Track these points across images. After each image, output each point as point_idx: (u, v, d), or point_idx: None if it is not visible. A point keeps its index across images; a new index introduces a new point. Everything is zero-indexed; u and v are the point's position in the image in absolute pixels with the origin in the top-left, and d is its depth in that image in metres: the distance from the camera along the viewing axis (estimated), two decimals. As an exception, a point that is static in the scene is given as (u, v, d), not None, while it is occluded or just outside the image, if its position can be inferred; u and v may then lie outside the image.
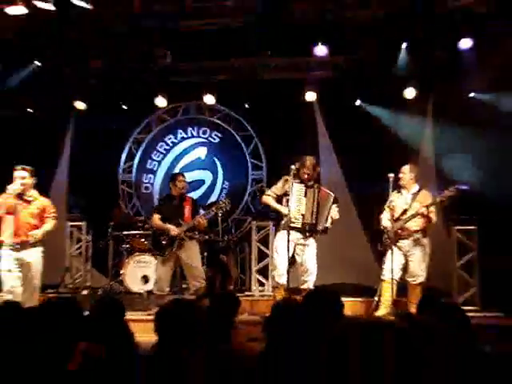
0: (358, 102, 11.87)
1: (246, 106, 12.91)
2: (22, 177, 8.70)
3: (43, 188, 9.69)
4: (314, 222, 8.96)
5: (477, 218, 10.02)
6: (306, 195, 9.01)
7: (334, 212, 9.08)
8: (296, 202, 8.97)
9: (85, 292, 11.55)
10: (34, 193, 8.89)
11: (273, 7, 9.90)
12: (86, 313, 4.52)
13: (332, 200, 9.12)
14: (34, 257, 8.74)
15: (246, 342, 5.15)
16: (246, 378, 3.49)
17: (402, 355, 1.95)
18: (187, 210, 9.69)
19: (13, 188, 8.65)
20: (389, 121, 11.51)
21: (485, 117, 10.10)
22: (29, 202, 8.79)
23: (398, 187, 9.11)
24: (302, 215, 8.96)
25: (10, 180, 8.90)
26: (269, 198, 9.15)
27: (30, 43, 11.18)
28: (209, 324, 4.46)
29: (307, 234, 9.02)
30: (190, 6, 9.93)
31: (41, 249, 8.82)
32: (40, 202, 8.89)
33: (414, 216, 8.89)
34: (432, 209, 8.91)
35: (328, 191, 9.25)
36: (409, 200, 9.04)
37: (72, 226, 12.18)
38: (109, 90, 12.74)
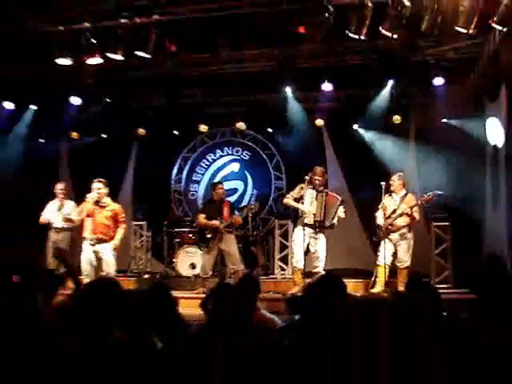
0: (355, 127, 11.93)
1: (269, 130, 12.90)
2: (98, 187, 8.88)
3: (113, 196, 9.85)
4: (322, 219, 9.09)
5: (450, 216, 10.07)
6: (316, 198, 9.12)
7: (341, 212, 9.18)
8: (309, 203, 9.11)
9: (146, 276, 11.56)
10: (107, 200, 9.04)
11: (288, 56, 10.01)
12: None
13: (339, 202, 9.23)
14: (108, 249, 8.91)
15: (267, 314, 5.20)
16: (269, 347, 3.51)
17: (393, 325, 1.90)
18: (225, 211, 9.73)
19: (91, 196, 8.85)
20: (379, 141, 11.60)
21: (454, 138, 10.15)
22: (103, 207, 8.95)
23: (389, 191, 9.21)
24: (314, 214, 9.09)
25: (88, 190, 9.15)
26: (289, 200, 9.29)
27: (102, 84, 11.38)
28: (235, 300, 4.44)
29: (317, 229, 9.16)
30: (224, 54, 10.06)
31: (113, 244, 9.00)
32: (112, 207, 9.05)
33: (401, 215, 8.99)
34: (416, 209, 9.02)
35: (336, 195, 9.35)
36: (397, 202, 9.11)
37: (136, 224, 12.22)
38: (164, 120, 12.82)
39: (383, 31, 7.44)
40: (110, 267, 8.86)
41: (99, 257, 8.89)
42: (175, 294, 4.52)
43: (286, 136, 12.51)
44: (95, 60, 8.41)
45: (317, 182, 9.13)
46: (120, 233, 9.03)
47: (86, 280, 8.67)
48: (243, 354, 3.08)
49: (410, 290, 4.23)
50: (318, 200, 9.11)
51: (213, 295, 4.10)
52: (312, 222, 9.09)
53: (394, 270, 9.17)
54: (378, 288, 8.96)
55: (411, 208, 8.93)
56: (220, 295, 4.01)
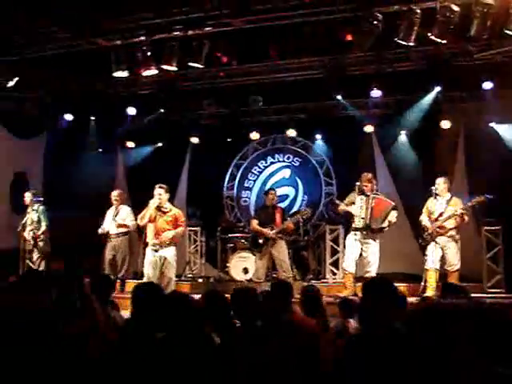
0: (403, 132, 11.87)
1: (319, 136, 12.91)
2: (159, 193, 8.93)
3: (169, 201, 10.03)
4: (369, 222, 9.11)
5: (501, 221, 9.91)
6: (365, 203, 9.18)
7: (392, 216, 9.19)
8: (358, 208, 9.18)
9: (200, 280, 11.79)
10: (168, 205, 9.09)
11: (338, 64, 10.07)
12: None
13: (391, 207, 9.25)
14: (169, 254, 8.96)
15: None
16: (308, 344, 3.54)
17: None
18: (278, 217, 9.76)
19: (153, 202, 8.97)
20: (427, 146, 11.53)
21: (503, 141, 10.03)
22: (165, 212, 8.98)
23: (434, 195, 9.15)
24: (362, 218, 9.14)
25: (145, 197, 9.33)
26: (341, 206, 9.45)
27: (157, 95, 11.63)
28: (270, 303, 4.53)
29: (366, 233, 9.17)
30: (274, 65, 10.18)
31: (174, 248, 9.07)
32: (173, 212, 9.08)
33: (450, 217, 8.91)
34: (465, 211, 8.95)
35: (388, 200, 9.39)
36: (444, 205, 9.05)
37: (190, 230, 12.31)
38: (216, 128, 13.02)
39: (432, 37, 7.40)
40: (170, 271, 8.96)
41: (161, 261, 8.99)
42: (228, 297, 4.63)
43: (336, 143, 12.50)
44: (150, 72, 8.60)
45: (365, 187, 9.21)
46: (178, 230, 9.08)
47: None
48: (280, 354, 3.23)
49: (442, 295, 4.19)
50: (367, 205, 9.17)
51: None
52: (361, 226, 9.14)
53: (443, 274, 9.07)
54: (430, 292, 8.88)
55: (462, 209, 8.84)
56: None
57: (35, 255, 10.75)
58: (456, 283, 7.37)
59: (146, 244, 9.09)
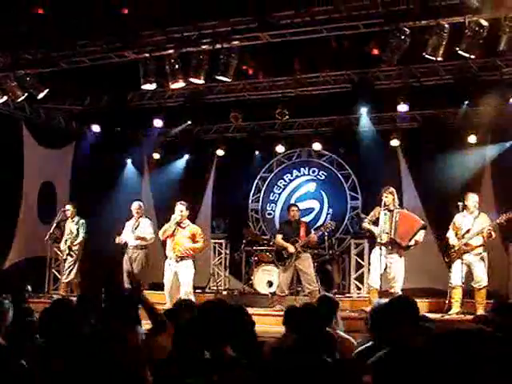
0: (432, 147, 11.74)
1: (341, 150, 12.83)
2: (180, 210, 9.19)
3: (194, 214, 10.07)
4: (393, 237, 9.03)
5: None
6: (389, 218, 9.11)
7: (420, 236, 9.09)
8: (383, 224, 9.11)
9: (224, 293, 11.76)
10: (187, 221, 9.33)
11: (364, 79, 10.05)
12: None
13: (420, 227, 9.15)
14: (185, 266, 9.13)
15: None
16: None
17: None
18: (302, 231, 9.81)
19: (174, 217, 9.16)
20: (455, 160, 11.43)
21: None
22: (184, 228, 9.24)
23: (462, 210, 9.04)
24: (387, 233, 9.07)
25: (169, 210, 9.42)
26: (365, 223, 9.42)
27: (183, 108, 11.69)
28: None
29: (391, 248, 9.08)
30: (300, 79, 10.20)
31: (191, 261, 9.23)
32: (191, 228, 9.32)
33: (477, 233, 8.82)
34: (493, 228, 8.84)
35: (415, 217, 9.34)
36: (471, 221, 8.94)
37: (215, 242, 12.46)
38: (241, 141, 13.13)
39: (460, 52, 7.33)
40: (186, 284, 9.09)
41: (177, 274, 9.16)
42: (252, 310, 4.61)
43: (361, 157, 12.43)
44: (178, 84, 8.65)
45: (385, 201, 9.13)
46: (195, 245, 9.26)
47: (167, 297, 9.01)
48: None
49: (498, 313, 4.14)
50: (391, 220, 9.09)
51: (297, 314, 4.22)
52: (385, 241, 9.07)
53: (467, 291, 8.96)
54: (455, 310, 8.79)
55: (490, 226, 8.73)
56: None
57: (67, 264, 10.94)
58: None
59: (165, 257, 9.36)
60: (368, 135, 11.89)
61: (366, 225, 9.43)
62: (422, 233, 9.09)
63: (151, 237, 10.08)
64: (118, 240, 10.16)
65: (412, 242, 9.05)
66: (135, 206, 10.40)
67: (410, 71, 9.92)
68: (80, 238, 10.97)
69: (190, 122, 12.35)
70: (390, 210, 9.13)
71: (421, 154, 11.75)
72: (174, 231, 9.21)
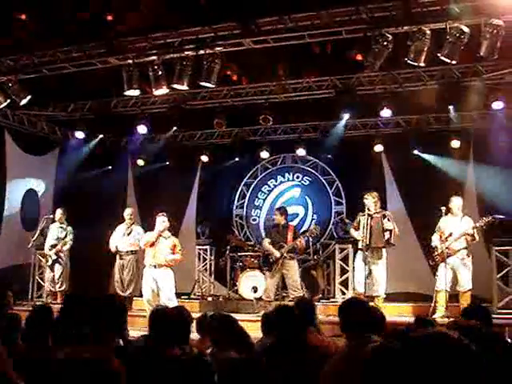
0: (414, 152, 11.81)
1: (329, 156, 12.88)
2: (163, 220, 9.28)
3: (178, 220, 10.05)
4: (368, 242, 9.13)
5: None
6: (366, 223, 9.19)
7: (387, 224, 9.23)
8: (362, 229, 9.22)
9: (209, 298, 11.75)
10: (167, 233, 9.38)
11: (347, 84, 10.09)
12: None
13: (380, 217, 9.28)
14: (165, 274, 9.16)
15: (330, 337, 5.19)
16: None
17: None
18: (289, 235, 9.84)
19: (159, 228, 9.22)
20: (439, 164, 11.50)
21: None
22: (166, 238, 9.31)
23: (445, 213, 9.11)
24: (363, 239, 9.20)
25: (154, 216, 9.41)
26: (351, 230, 9.69)
27: (167, 114, 11.67)
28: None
29: (369, 252, 9.16)
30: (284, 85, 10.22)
31: (170, 270, 9.25)
32: (171, 239, 9.39)
33: (460, 236, 8.89)
34: (476, 230, 8.91)
35: (382, 212, 9.43)
36: (455, 225, 9.03)
37: (199, 248, 12.46)
38: (225, 147, 13.13)
39: (442, 57, 7.40)
40: (166, 292, 9.09)
41: (157, 282, 9.15)
42: (237, 316, 4.63)
43: (345, 162, 12.47)
44: (162, 91, 8.64)
45: (365, 203, 9.27)
46: (175, 256, 9.30)
47: (146, 304, 9.02)
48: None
49: (468, 316, 4.17)
50: (367, 224, 9.19)
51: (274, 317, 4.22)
52: (363, 246, 9.23)
53: (453, 295, 9.01)
54: (439, 314, 8.84)
55: (473, 229, 8.81)
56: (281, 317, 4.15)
57: (57, 273, 10.90)
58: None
59: (144, 265, 9.38)
60: (352, 140, 11.93)
61: (351, 231, 9.64)
62: (386, 221, 9.23)
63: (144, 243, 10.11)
64: (113, 249, 10.33)
65: (387, 236, 9.16)
66: (128, 211, 10.44)
67: (393, 77, 9.98)
68: (68, 246, 10.98)
69: (174, 129, 12.34)
70: (370, 215, 9.20)
71: (404, 159, 11.81)
72: (156, 241, 9.26)
